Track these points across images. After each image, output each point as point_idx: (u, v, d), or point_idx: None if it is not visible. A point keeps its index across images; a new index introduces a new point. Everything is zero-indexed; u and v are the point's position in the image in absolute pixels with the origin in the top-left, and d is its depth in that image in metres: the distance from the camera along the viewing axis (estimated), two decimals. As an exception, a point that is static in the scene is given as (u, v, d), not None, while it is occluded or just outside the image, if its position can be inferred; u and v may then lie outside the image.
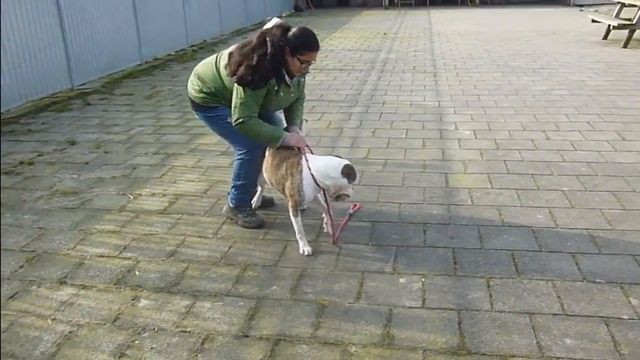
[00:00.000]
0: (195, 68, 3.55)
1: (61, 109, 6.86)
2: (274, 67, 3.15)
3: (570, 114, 6.00)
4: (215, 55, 3.48)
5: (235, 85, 3.19)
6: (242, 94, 3.18)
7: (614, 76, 7.92)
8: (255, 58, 3.11)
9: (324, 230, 3.48)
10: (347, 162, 3.19)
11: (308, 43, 3.18)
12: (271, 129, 3.34)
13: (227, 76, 3.26)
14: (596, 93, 6.91)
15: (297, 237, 3.29)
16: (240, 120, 3.21)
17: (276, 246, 3.36)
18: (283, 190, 3.30)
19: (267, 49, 3.11)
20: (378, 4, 21.75)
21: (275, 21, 3.27)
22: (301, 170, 3.18)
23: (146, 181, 4.46)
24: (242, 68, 3.13)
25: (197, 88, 3.44)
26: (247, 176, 3.57)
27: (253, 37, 3.21)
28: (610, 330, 2.51)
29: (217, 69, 3.36)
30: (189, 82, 3.53)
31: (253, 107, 3.23)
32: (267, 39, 3.13)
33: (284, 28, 3.17)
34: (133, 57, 9.61)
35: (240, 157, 3.53)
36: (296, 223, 3.27)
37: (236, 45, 3.28)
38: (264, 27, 3.27)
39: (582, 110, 6.14)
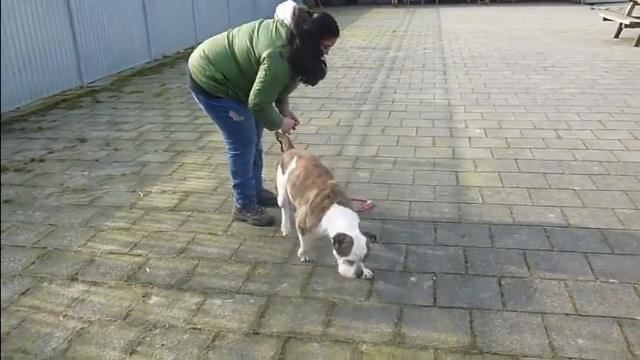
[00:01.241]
0: (201, 48, 3.39)
1: (71, 107, 6.89)
2: (315, 54, 3.20)
3: (581, 113, 5.96)
4: (224, 35, 3.34)
5: (265, 68, 3.13)
6: (270, 78, 3.15)
7: (625, 74, 7.85)
8: (295, 52, 3.13)
9: None
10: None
11: (331, 28, 3.20)
12: (278, 117, 3.41)
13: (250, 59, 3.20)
14: (607, 92, 6.86)
15: (301, 242, 3.10)
16: (260, 104, 3.22)
17: (286, 243, 3.35)
18: (299, 205, 3.04)
19: (304, 41, 3.12)
20: (387, 1, 21.65)
21: (291, 5, 3.20)
22: (322, 217, 2.82)
23: (156, 178, 4.47)
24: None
25: (206, 73, 3.30)
26: (244, 172, 3.57)
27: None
28: (623, 330, 2.49)
29: (233, 53, 3.26)
30: (194, 60, 3.36)
31: (275, 94, 3.28)
32: (304, 28, 3.11)
33: (307, 12, 3.18)
34: (142, 55, 9.64)
35: (232, 153, 3.53)
36: (302, 240, 3.08)
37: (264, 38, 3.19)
38: (280, 12, 3.21)
39: (593, 109, 6.09)
